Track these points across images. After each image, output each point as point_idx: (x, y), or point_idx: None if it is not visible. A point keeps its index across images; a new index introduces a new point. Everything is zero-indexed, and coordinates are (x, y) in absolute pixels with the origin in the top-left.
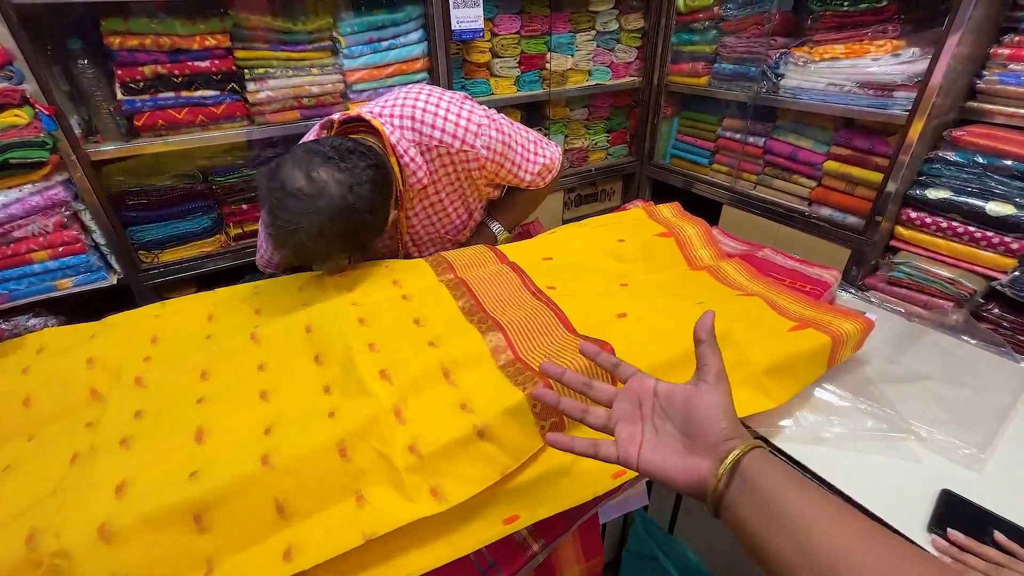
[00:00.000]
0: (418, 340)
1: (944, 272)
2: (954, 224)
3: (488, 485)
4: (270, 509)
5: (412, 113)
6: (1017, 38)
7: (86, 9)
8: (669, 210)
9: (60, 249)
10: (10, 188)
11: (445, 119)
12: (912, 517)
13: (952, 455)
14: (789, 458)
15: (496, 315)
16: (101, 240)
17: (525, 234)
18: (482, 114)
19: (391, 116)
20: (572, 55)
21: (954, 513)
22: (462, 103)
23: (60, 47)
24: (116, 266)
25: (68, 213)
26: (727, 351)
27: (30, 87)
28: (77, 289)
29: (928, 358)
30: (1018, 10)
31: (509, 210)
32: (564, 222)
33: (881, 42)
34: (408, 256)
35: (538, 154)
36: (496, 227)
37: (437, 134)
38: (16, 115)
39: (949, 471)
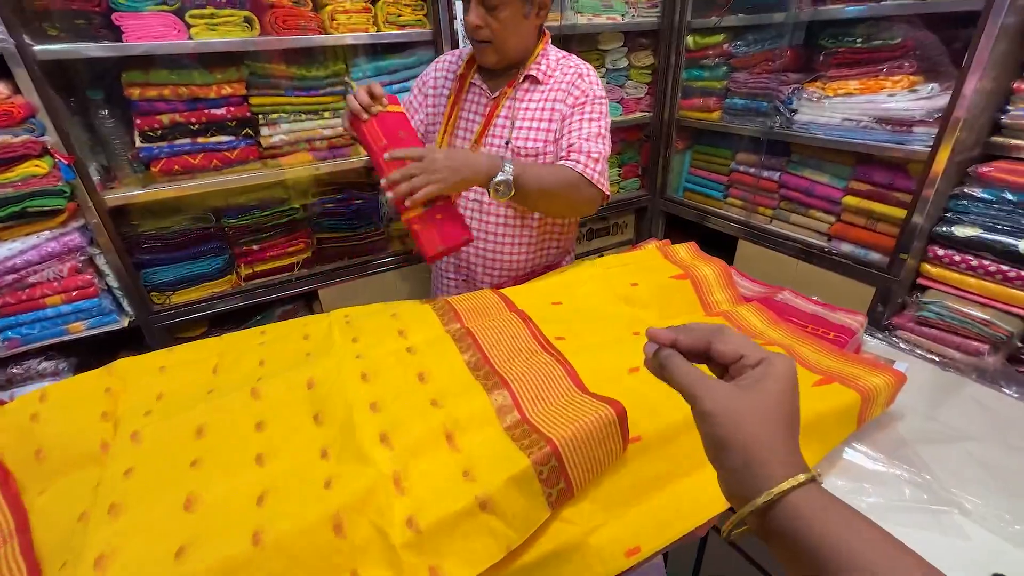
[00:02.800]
0: (421, 398)
1: (977, 312)
2: (985, 262)
3: (492, 563)
4: None
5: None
6: None
7: (108, 62)
8: (685, 250)
9: (74, 293)
10: (27, 235)
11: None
12: None
13: (1002, 531)
14: None
15: (503, 370)
16: (114, 283)
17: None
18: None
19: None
20: None
21: None
22: None
23: (81, 98)
24: (128, 308)
25: (83, 258)
26: None
27: (51, 138)
28: (89, 333)
29: (968, 414)
30: None
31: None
32: (576, 256)
33: (897, 78)
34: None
35: (598, 146)
36: (508, 164)
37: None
38: (36, 165)
39: (1001, 549)
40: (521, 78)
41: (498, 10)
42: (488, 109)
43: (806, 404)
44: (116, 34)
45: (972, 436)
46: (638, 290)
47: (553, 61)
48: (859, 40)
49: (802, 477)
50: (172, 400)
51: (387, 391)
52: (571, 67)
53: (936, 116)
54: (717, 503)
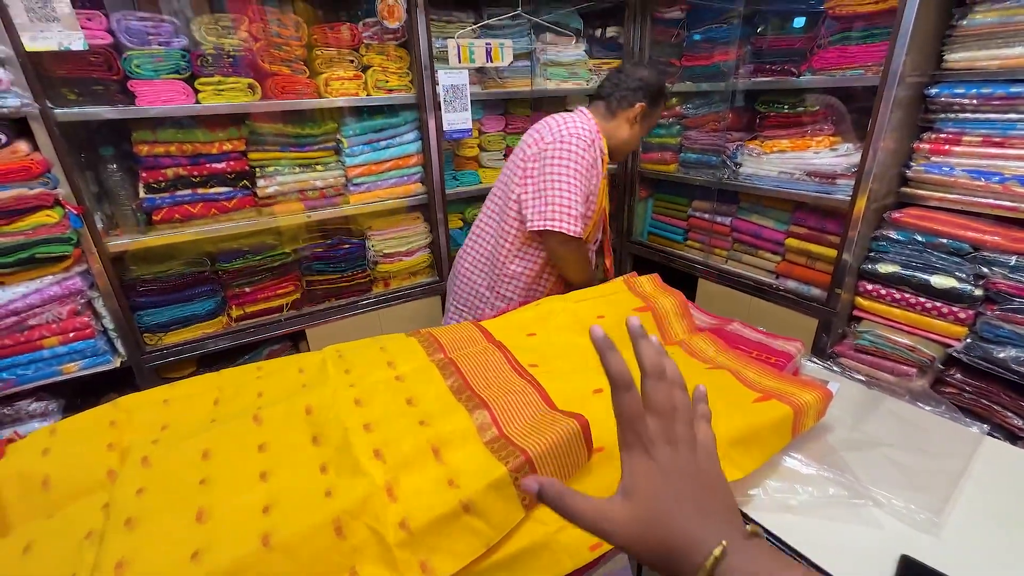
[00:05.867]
0: (410, 419)
1: (904, 340)
2: (906, 295)
3: (474, 558)
4: None
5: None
6: (934, 135)
7: (119, 122)
8: (648, 283)
9: (71, 335)
10: (32, 279)
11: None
12: None
13: (909, 519)
14: (763, 528)
15: (482, 393)
16: (110, 325)
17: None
18: (576, 144)
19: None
20: None
21: None
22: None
23: (92, 154)
24: (121, 349)
25: (83, 301)
26: None
27: (63, 190)
28: (82, 373)
29: (886, 425)
30: (930, 112)
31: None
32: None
33: (819, 138)
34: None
35: (552, 212)
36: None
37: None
38: (47, 215)
39: (908, 536)
40: None
41: None
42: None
43: (747, 418)
44: (130, 99)
45: (889, 443)
46: (604, 322)
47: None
48: (787, 107)
49: (717, 552)
50: (177, 429)
51: (379, 414)
52: None
53: (853, 170)
54: None
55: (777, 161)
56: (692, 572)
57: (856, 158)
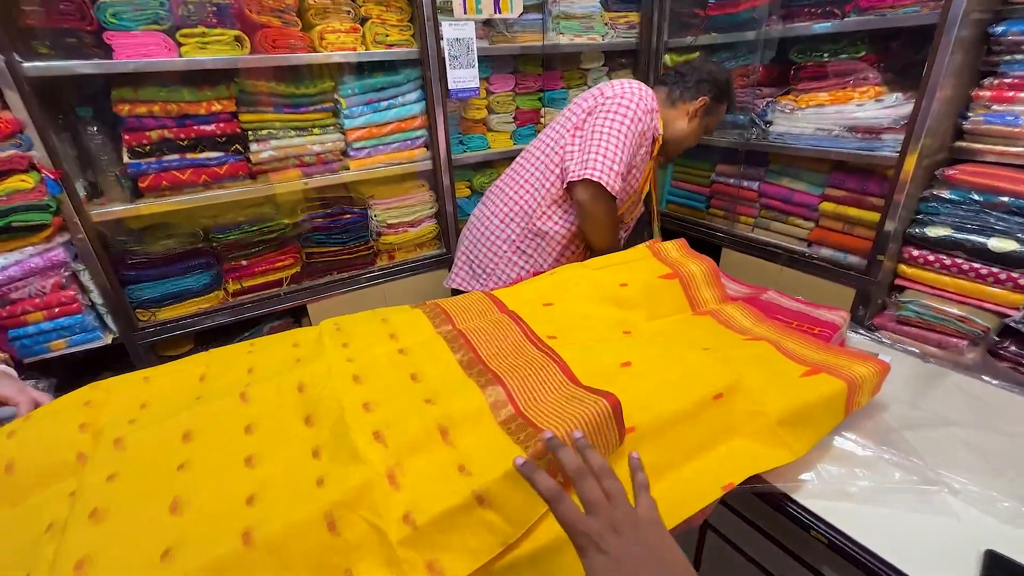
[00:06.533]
0: (415, 397)
1: (954, 310)
2: (958, 261)
3: (489, 558)
4: None
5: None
6: (996, 81)
7: (98, 80)
8: (675, 248)
9: (56, 310)
10: (11, 251)
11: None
12: None
13: (991, 509)
14: (815, 516)
15: (496, 367)
16: (98, 300)
17: None
18: (637, 106)
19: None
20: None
21: None
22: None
23: (70, 115)
24: (112, 325)
25: (67, 274)
26: (739, 401)
27: (38, 153)
28: (71, 350)
29: (952, 402)
30: (993, 55)
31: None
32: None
33: (864, 88)
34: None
35: (593, 162)
36: None
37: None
38: (22, 180)
39: (991, 527)
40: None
41: None
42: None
43: (796, 395)
44: (107, 52)
45: (957, 422)
46: (627, 291)
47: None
48: (826, 54)
49: None
50: (157, 408)
51: (379, 391)
52: None
53: (902, 123)
54: (711, 492)
55: (813, 117)
56: None
57: (906, 109)
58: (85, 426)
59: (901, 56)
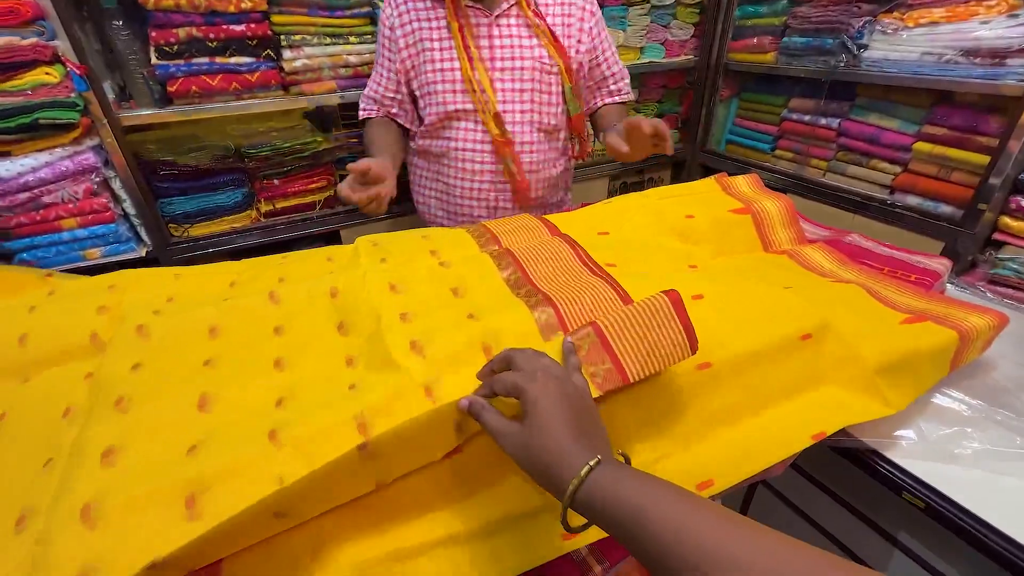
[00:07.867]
0: (456, 311)
1: None
2: None
3: None
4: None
5: None
6: None
7: None
8: (747, 183)
9: (90, 217)
10: (40, 151)
11: None
12: None
13: None
14: (913, 477)
15: (546, 289)
16: (131, 210)
17: None
18: None
19: None
20: (624, 30)
21: None
22: None
23: (95, 6)
24: (145, 238)
25: (98, 180)
26: (829, 343)
27: (61, 44)
28: (105, 260)
29: None
30: None
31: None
32: None
33: (993, 2)
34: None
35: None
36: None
37: None
38: (47, 72)
39: None
40: None
41: None
42: (489, 31)
43: (895, 342)
44: None
45: None
46: (694, 223)
47: None
48: None
49: (592, 462)
50: (183, 302)
51: (418, 302)
52: None
53: None
54: (799, 440)
55: (923, 38)
56: (567, 481)
57: None
58: (104, 308)
59: None
